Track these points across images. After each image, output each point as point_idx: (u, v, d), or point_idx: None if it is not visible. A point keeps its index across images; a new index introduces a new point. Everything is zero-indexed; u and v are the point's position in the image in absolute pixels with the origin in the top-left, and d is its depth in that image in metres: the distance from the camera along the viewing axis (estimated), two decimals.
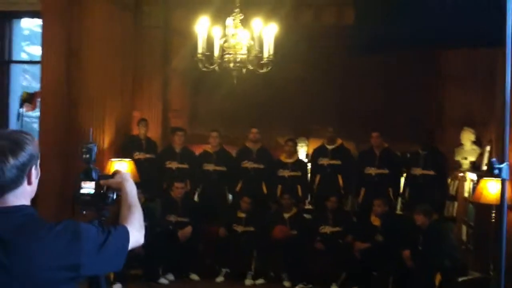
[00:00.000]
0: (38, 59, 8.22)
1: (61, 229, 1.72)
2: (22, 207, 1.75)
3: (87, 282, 2.08)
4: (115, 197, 2.17)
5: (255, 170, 7.61)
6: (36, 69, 9.76)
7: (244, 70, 5.37)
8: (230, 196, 7.90)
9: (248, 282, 6.81)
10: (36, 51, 13.35)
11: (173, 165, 7.66)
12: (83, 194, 2.14)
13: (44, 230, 1.70)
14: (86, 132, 7.34)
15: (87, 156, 2.16)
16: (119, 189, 2.13)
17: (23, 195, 1.76)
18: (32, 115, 11.30)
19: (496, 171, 2.10)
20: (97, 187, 2.15)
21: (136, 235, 1.97)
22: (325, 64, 8.81)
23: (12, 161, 1.69)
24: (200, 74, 8.69)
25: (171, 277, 6.84)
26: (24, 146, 1.74)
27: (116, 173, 2.16)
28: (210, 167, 7.67)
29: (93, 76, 7.44)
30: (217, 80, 8.55)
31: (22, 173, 1.74)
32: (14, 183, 1.72)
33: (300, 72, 8.80)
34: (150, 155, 7.66)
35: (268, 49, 5.34)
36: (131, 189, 2.12)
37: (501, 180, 2.15)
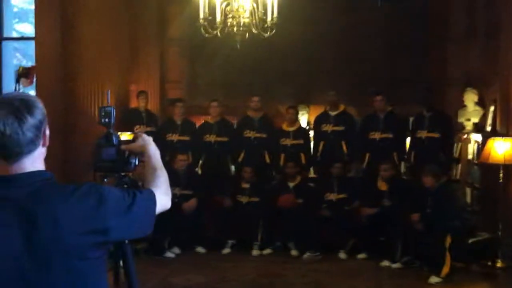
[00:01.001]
0: (30, 35, 8.01)
1: (84, 192, 1.61)
2: (39, 172, 1.64)
3: (112, 251, 1.99)
4: (137, 162, 2.06)
5: (257, 139, 7.51)
6: (27, 47, 9.55)
7: (247, 35, 5.20)
8: (232, 167, 7.79)
9: (255, 252, 6.75)
10: (25, 28, 13.07)
11: (174, 137, 7.54)
12: (104, 161, 2.03)
13: (66, 194, 1.60)
14: (83, 105, 7.23)
15: (106, 120, 2.04)
16: (142, 154, 2.02)
17: (39, 158, 1.65)
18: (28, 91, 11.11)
19: None
20: (119, 152, 2.03)
21: (163, 199, 1.88)
22: (327, 26, 8.63)
23: (30, 119, 1.59)
24: (198, 43, 8.55)
25: (177, 250, 6.78)
26: (36, 104, 1.63)
27: (137, 137, 2.04)
28: (211, 138, 7.55)
29: (89, 49, 7.27)
30: (215, 49, 8.41)
31: (39, 132, 1.63)
32: (33, 144, 1.61)
33: (302, 36, 8.61)
34: (151, 128, 7.52)
35: (272, 12, 5.17)
36: (155, 152, 2.01)
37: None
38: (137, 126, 7.40)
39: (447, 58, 8.75)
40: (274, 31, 5.32)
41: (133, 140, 2.04)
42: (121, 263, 2.08)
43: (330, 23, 8.69)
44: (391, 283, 5.65)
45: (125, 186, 2.05)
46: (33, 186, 1.59)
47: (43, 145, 1.67)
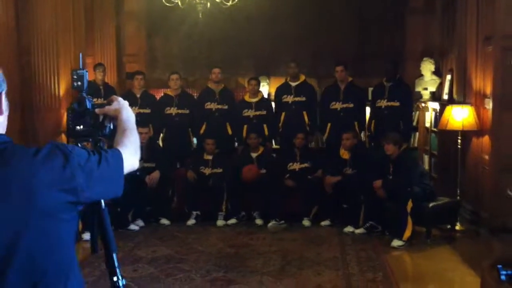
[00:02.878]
0: None
1: (47, 152, 1.56)
2: None
3: (89, 215, 1.95)
4: (112, 126, 2.01)
5: (219, 111, 7.47)
6: None
7: (208, 4, 5.12)
8: (194, 139, 7.75)
9: (219, 223, 6.77)
10: None
11: (134, 110, 7.34)
12: (78, 126, 1.97)
13: (29, 155, 1.54)
14: (40, 80, 7.03)
15: (79, 83, 1.98)
16: (116, 118, 1.97)
17: None
18: None
19: (503, 277, 2.06)
20: (93, 117, 1.98)
21: (131, 159, 1.83)
22: None
23: None
24: (157, 15, 8.42)
25: (141, 223, 6.73)
26: None
27: (112, 100, 1.99)
28: (172, 110, 7.48)
29: (44, 23, 7.02)
30: (174, 21, 8.29)
31: None
32: None
33: (261, 8, 8.55)
34: (126, 101, 7.36)
35: None
36: (128, 116, 1.97)
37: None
38: (95, 99, 7.23)
39: (408, 31, 8.90)
40: (236, 0, 5.25)
41: (108, 104, 2.00)
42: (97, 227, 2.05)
43: None
44: (354, 248, 5.76)
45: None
46: None
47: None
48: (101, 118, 1.99)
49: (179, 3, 5.27)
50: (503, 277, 2.11)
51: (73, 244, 1.68)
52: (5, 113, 1.65)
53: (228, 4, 5.27)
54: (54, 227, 1.56)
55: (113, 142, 1.97)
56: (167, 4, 5.25)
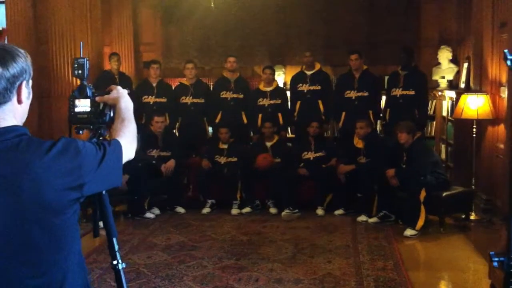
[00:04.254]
0: None
1: (60, 148, 1.60)
2: (15, 127, 1.61)
3: (90, 201, 2.00)
4: (112, 114, 2.05)
5: (234, 100, 7.50)
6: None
7: None
8: (210, 128, 7.80)
9: (234, 211, 6.82)
10: None
11: (150, 99, 7.51)
12: (79, 113, 2.01)
13: (42, 151, 1.58)
14: (57, 69, 7.14)
15: (80, 72, 2.02)
16: (115, 106, 2.01)
17: (12, 113, 1.62)
18: None
19: (509, 62, 2.03)
20: (93, 104, 2.02)
21: (128, 148, 1.88)
22: None
23: (1, 70, 1.56)
24: (171, 4, 8.46)
25: (156, 211, 6.82)
26: (16, 58, 1.60)
27: (112, 89, 2.03)
28: (187, 100, 7.53)
29: (61, 12, 7.14)
30: (189, 9, 8.33)
31: (11, 87, 1.59)
32: (2, 96, 1.58)
33: None
34: (125, 90, 7.44)
35: None
36: (127, 105, 2.01)
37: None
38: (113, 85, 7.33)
39: (423, 18, 8.81)
40: None
41: (108, 92, 2.04)
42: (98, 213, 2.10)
43: None
44: (367, 237, 5.77)
45: (101, 138, 2.05)
46: (9, 141, 1.57)
47: (18, 101, 1.64)
48: (101, 105, 2.04)
49: None
50: (495, 264, 2.12)
51: (76, 235, 1.72)
52: (27, 101, 1.68)
53: None
54: (58, 222, 1.60)
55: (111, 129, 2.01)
56: None
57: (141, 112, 7.38)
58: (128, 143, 1.88)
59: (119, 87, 2.05)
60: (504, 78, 6.24)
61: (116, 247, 2.06)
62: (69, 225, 1.65)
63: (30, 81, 1.69)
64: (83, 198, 1.70)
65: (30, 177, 1.53)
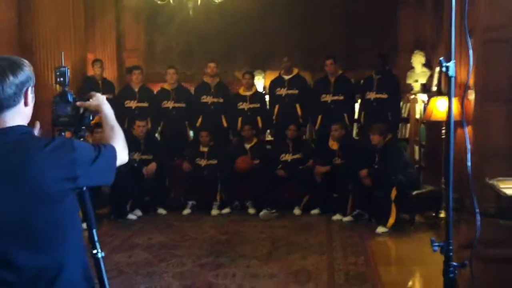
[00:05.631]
0: None
1: (57, 144, 1.83)
2: (19, 127, 1.84)
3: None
4: (91, 118, 2.28)
5: (214, 104, 7.73)
6: None
7: (199, 1, 5.38)
8: (191, 132, 8.02)
9: (214, 212, 7.05)
10: None
11: (132, 104, 7.71)
12: (61, 116, 2.24)
13: (41, 146, 1.81)
14: (41, 76, 7.31)
15: (61, 79, 2.24)
16: (96, 112, 2.23)
17: (19, 115, 1.85)
18: None
19: (444, 69, 2.29)
20: (74, 109, 2.24)
21: (122, 153, 2.11)
22: None
23: (11, 78, 1.79)
24: (153, 11, 8.68)
25: (139, 213, 7.01)
26: (22, 67, 1.84)
27: (91, 95, 2.25)
28: (169, 104, 7.74)
29: (45, 19, 7.34)
30: (171, 16, 8.55)
31: (20, 92, 1.83)
32: (12, 100, 1.81)
33: (255, 4, 8.81)
34: (108, 95, 7.62)
35: None
36: (110, 111, 2.23)
37: (449, 77, 2.36)
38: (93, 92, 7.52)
39: (399, 25, 9.12)
40: None
41: (88, 99, 2.26)
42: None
43: None
44: (341, 235, 6.02)
45: (81, 139, 2.27)
46: (13, 139, 1.80)
47: (25, 104, 1.87)
48: (81, 110, 2.26)
49: (171, 1, 5.52)
50: (435, 248, 2.37)
51: (75, 221, 1.94)
52: (31, 104, 1.91)
53: (216, 1, 5.52)
54: (55, 208, 1.82)
55: (97, 140, 2.24)
56: (159, 2, 5.50)
57: (123, 117, 7.57)
58: (122, 148, 2.11)
59: (99, 94, 2.27)
60: (471, 82, 6.53)
61: (96, 237, 2.28)
62: (66, 211, 1.87)
63: (33, 87, 1.93)
64: (77, 190, 1.94)
65: (30, 168, 1.76)
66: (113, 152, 2.02)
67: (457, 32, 6.95)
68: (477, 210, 2.43)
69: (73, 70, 7.76)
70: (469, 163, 2.56)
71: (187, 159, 7.38)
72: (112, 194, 6.73)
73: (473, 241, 4.04)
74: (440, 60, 2.28)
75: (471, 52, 2.50)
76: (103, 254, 2.28)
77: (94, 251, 2.26)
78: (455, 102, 6.52)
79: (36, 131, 2.14)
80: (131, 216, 6.89)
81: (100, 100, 2.23)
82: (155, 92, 8.05)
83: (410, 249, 5.56)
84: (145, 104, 7.72)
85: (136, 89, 7.77)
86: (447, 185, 2.49)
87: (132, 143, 7.16)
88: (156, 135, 7.86)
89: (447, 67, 2.28)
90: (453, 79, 2.34)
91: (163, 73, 8.06)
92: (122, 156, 2.11)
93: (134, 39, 9.35)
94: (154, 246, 5.76)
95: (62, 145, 1.84)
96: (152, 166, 7.10)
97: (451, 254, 2.39)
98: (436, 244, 2.38)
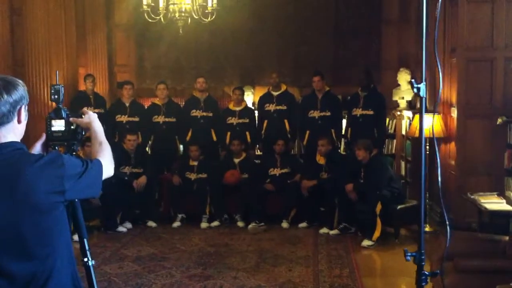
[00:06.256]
0: None
1: (47, 160, 1.97)
2: (13, 143, 1.98)
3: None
4: (84, 133, 2.41)
5: (204, 118, 7.87)
6: None
7: (189, 20, 5.54)
8: (181, 146, 8.14)
9: (203, 225, 7.15)
10: None
11: (123, 118, 7.83)
12: (55, 131, 2.37)
13: (32, 161, 1.94)
14: (33, 90, 7.44)
15: (56, 96, 2.38)
16: (87, 128, 2.37)
17: (13, 131, 1.99)
18: None
19: (415, 90, 2.44)
20: (67, 124, 2.37)
21: (108, 167, 2.25)
22: (268, 12, 9.07)
23: (5, 97, 1.93)
24: (144, 27, 8.84)
25: (129, 225, 7.11)
26: (16, 87, 1.98)
27: (84, 113, 2.38)
28: (159, 119, 7.87)
29: (37, 34, 7.47)
30: (161, 33, 8.72)
31: (14, 110, 1.96)
32: (6, 117, 1.95)
33: (244, 22, 9.01)
34: (99, 110, 7.77)
35: None
36: (99, 128, 2.37)
37: (419, 97, 2.51)
38: (85, 108, 7.65)
39: (384, 41, 9.32)
40: (214, 16, 5.66)
41: (80, 115, 2.40)
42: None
43: (276, 9, 9.13)
44: (327, 248, 6.15)
45: (74, 153, 2.40)
46: (7, 154, 1.93)
47: (18, 121, 2.00)
48: (74, 125, 2.39)
49: (162, 19, 5.68)
50: (407, 258, 2.51)
51: (64, 231, 2.06)
52: (24, 121, 2.05)
53: (206, 20, 5.68)
54: (45, 219, 1.96)
55: (87, 155, 2.37)
56: (150, 20, 5.66)
57: (114, 131, 7.71)
58: (108, 162, 2.25)
59: (90, 112, 2.41)
60: (454, 99, 6.73)
61: (87, 246, 2.41)
62: (56, 222, 2.00)
63: (27, 105, 2.06)
64: (66, 202, 2.06)
65: (22, 181, 1.89)
66: (99, 167, 2.15)
67: (440, 50, 7.19)
68: (447, 223, 2.57)
69: (65, 85, 7.88)
70: (439, 178, 2.71)
71: (176, 173, 7.50)
72: (102, 206, 6.83)
73: (450, 253, 4.21)
74: (411, 81, 2.44)
75: (440, 71, 2.64)
76: (93, 262, 2.40)
77: (85, 259, 2.39)
78: (438, 119, 6.74)
79: (40, 143, 2.30)
80: (121, 228, 6.98)
81: (92, 117, 2.37)
82: (146, 107, 8.19)
83: (395, 262, 5.69)
84: (136, 119, 7.85)
85: (127, 104, 7.90)
86: (422, 199, 2.63)
87: (123, 157, 7.31)
88: (147, 149, 7.97)
89: (418, 88, 2.43)
90: (424, 100, 2.49)
91: (154, 88, 8.20)
92: (108, 170, 2.24)
93: (125, 54, 9.49)
94: (143, 258, 5.86)
95: (51, 160, 1.97)
96: (142, 179, 7.22)
97: (423, 263, 2.53)
98: (409, 254, 2.52)
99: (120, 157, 7.38)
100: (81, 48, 8.63)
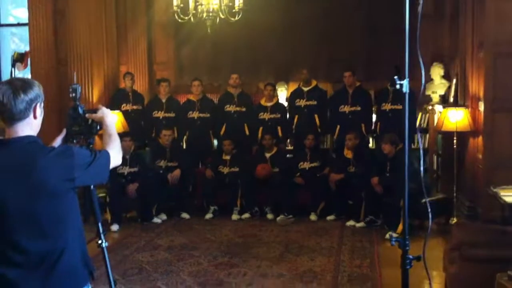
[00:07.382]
0: (25, 21, 8.58)
1: (59, 151, 2.27)
2: (28, 136, 2.27)
3: (82, 193, 2.62)
4: (99, 128, 2.69)
5: (237, 113, 8.13)
6: (24, 31, 10.05)
7: (217, 20, 5.78)
8: (215, 141, 8.42)
9: (234, 217, 7.41)
10: (22, 13, 13.56)
11: (160, 114, 8.17)
12: (73, 126, 2.65)
13: (46, 152, 2.24)
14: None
15: (74, 95, 2.66)
16: (101, 122, 2.64)
17: (29, 126, 2.28)
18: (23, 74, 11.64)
19: (398, 86, 2.60)
20: (84, 120, 2.65)
21: (116, 157, 2.52)
22: (307, 9, 9.23)
23: (22, 96, 2.22)
24: (181, 25, 9.14)
25: (163, 216, 7.44)
26: (32, 87, 2.28)
27: (98, 108, 2.66)
28: (194, 114, 8.17)
29: (79, 34, 7.88)
30: (196, 31, 9.00)
31: (29, 107, 2.25)
32: (23, 114, 2.24)
33: (282, 19, 9.20)
34: (137, 106, 8.14)
35: None
36: (111, 122, 2.64)
37: (403, 94, 2.66)
38: (124, 105, 8.07)
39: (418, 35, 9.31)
40: (241, 15, 5.88)
41: (95, 111, 2.67)
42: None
43: (310, 6, 9.28)
44: (352, 239, 6.31)
45: (90, 145, 2.68)
46: (24, 146, 2.23)
47: (34, 117, 2.29)
48: (90, 121, 2.67)
49: (191, 19, 5.94)
50: (393, 243, 2.68)
51: (76, 214, 2.35)
52: (40, 117, 2.34)
53: (232, 20, 5.91)
54: (57, 203, 2.25)
55: (101, 140, 2.65)
56: (179, 20, 5.93)
57: (151, 126, 8.06)
58: (116, 152, 2.53)
59: (104, 108, 2.68)
60: (481, 93, 6.75)
61: (101, 229, 2.69)
62: (67, 206, 2.29)
63: (43, 104, 2.36)
64: (77, 188, 2.34)
65: (37, 169, 2.19)
66: (106, 157, 2.43)
67: (469, 45, 7.20)
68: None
69: (105, 82, 8.31)
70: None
71: (209, 167, 7.79)
72: (139, 199, 7.19)
73: (459, 243, 4.33)
74: (394, 79, 2.59)
75: (423, 69, 2.79)
76: (106, 243, 2.68)
77: (99, 241, 2.67)
78: (465, 113, 6.77)
79: (61, 137, 2.61)
80: (156, 220, 7.31)
81: (105, 112, 2.65)
82: (181, 103, 8.50)
83: (417, 253, 5.77)
84: (172, 115, 8.17)
85: (164, 100, 8.23)
86: (406, 192, 2.79)
87: (159, 151, 7.65)
88: (182, 143, 8.28)
89: (401, 85, 2.58)
90: (407, 95, 2.64)
91: (190, 85, 8.49)
92: (116, 160, 2.51)
93: (164, 52, 9.80)
94: (175, 247, 6.17)
95: (62, 152, 2.26)
96: (177, 172, 7.53)
97: (407, 248, 2.69)
98: (394, 239, 2.69)
99: (156, 151, 7.75)
100: (122, 46, 9.00)
